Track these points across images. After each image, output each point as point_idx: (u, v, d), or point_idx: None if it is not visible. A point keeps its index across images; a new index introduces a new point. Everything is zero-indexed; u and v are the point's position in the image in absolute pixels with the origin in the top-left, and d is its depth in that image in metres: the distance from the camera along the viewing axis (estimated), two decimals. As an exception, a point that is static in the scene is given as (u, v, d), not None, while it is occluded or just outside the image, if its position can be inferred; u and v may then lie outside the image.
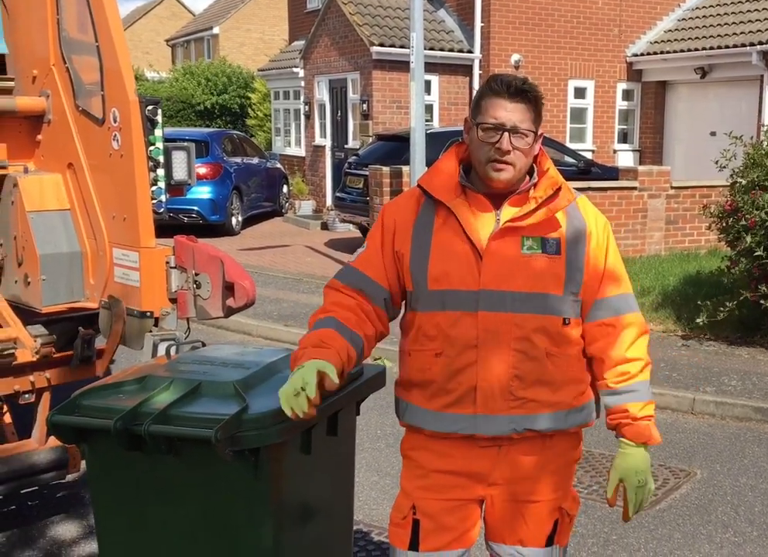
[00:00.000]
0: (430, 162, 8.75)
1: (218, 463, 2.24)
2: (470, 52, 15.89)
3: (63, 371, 3.91)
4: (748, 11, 15.71)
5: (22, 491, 3.96)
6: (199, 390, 2.42)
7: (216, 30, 37.21)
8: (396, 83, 15.40)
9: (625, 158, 17.55)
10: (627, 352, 2.31)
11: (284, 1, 23.82)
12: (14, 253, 4.12)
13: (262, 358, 2.69)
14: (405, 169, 10.76)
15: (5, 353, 3.62)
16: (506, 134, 2.18)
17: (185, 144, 4.18)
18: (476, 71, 15.90)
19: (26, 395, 3.83)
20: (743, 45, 14.78)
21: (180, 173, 4.06)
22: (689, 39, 16.41)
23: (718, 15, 16.43)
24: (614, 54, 17.12)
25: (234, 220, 14.53)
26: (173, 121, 24.96)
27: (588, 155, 15.23)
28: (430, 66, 13.52)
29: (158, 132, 3.81)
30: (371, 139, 14.17)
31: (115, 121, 3.70)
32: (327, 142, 17.50)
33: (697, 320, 7.27)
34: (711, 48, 15.53)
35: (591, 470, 4.81)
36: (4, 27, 4.30)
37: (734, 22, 15.71)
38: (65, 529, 4.09)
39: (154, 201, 3.80)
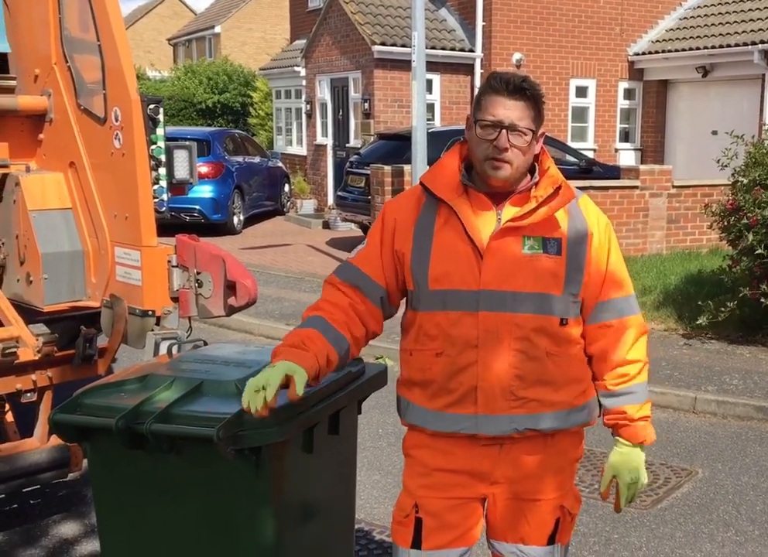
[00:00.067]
0: (431, 161, 8.73)
1: (220, 461, 2.24)
2: (471, 51, 15.88)
3: (64, 370, 3.91)
4: (749, 10, 15.69)
5: (23, 490, 3.96)
6: (201, 389, 2.42)
7: (218, 29, 37.20)
8: (398, 82, 15.40)
9: (626, 157, 17.55)
10: (628, 354, 2.33)
11: (286, 0, 23.83)
12: (16, 252, 4.12)
13: (263, 357, 2.68)
14: (406, 168, 10.77)
15: (7, 351, 3.62)
16: (504, 131, 2.18)
17: (187, 143, 4.18)
18: (478, 70, 15.90)
19: (28, 394, 3.84)
20: (745, 44, 14.76)
21: (181, 172, 4.07)
22: (690, 38, 16.40)
23: (720, 14, 16.41)
24: (615, 53, 17.11)
25: (235, 219, 14.53)
26: (175, 120, 24.96)
27: (590, 154, 15.23)
28: (432, 65, 13.53)
29: (159, 131, 3.82)
30: (372, 138, 14.17)
31: (117, 120, 3.70)
32: (329, 141, 17.50)
33: (699, 321, 7.27)
34: (713, 47, 15.52)
35: (593, 469, 4.81)
36: (6, 26, 4.30)
37: (735, 21, 15.70)
38: (67, 528, 4.09)
39: (156, 200, 3.80)
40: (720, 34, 15.70)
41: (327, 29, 16.87)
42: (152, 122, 3.76)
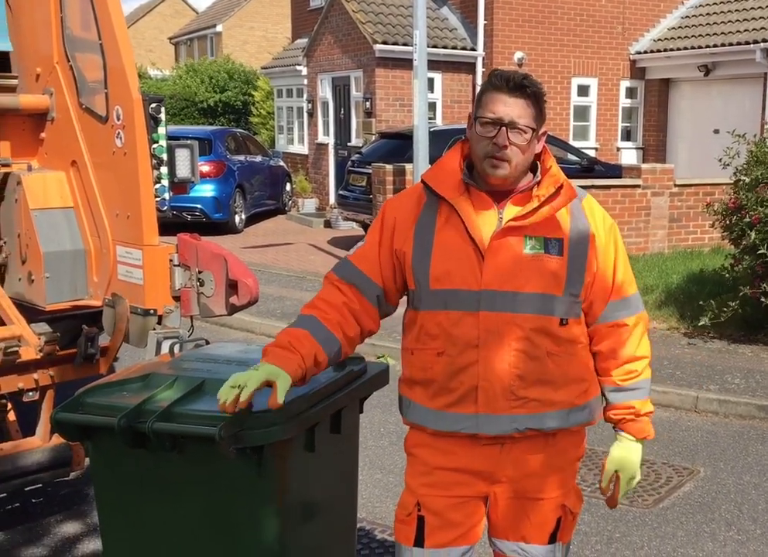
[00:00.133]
0: (433, 160, 8.72)
1: (222, 460, 2.24)
2: (473, 49, 15.89)
3: (66, 369, 3.91)
4: (752, 8, 15.68)
5: (25, 489, 3.97)
6: (202, 388, 2.42)
7: (219, 28, 37.21)
8: (399, 81, 15.40)
9: (628, 155, 17.54)
10: (636, 351, 2.35)
11: (287, -2, 23.84)
12: (18, 251, 4.13)
13: (265, 356, 2.68)
14: (408, 166, 10.77)
15: (9, 350, 3.63)
16: (503, 129, 2.17)
17: (188, 142, 4.18)
18: (479, 69, 15.91)
19: (30, 393, 3.84)
20: (747, 42, 14.75)
21: (183, 171, 4.07)
22: (692, 36, 16.39)
23: (722, 12, 16.40)
24: (617, 52, 17.11)
25: (237, 218, 14.54)
26: (176, 119, 24.98)
27: (592, 153, 15.22)
28: (433, 64, 13.52)
29: (161, 130, 3.81)
30: (374, 137, 14.17)
31: (119, 119, 3.70)
32: (330, 140, 17.50)
33: (701, 321, 7.27)
34: (715, 46, 15.51)
35: (595, 468, 4.81)
36: (8, 25, 4.30)
37: (738, 20, 15.69)
38: (69, 526, 4.10)
39: (157, 199, 3.80)
40: (722, 32, 15.68)
41: (329, 28, 16.87)
42: (153, 121, 3.76)
